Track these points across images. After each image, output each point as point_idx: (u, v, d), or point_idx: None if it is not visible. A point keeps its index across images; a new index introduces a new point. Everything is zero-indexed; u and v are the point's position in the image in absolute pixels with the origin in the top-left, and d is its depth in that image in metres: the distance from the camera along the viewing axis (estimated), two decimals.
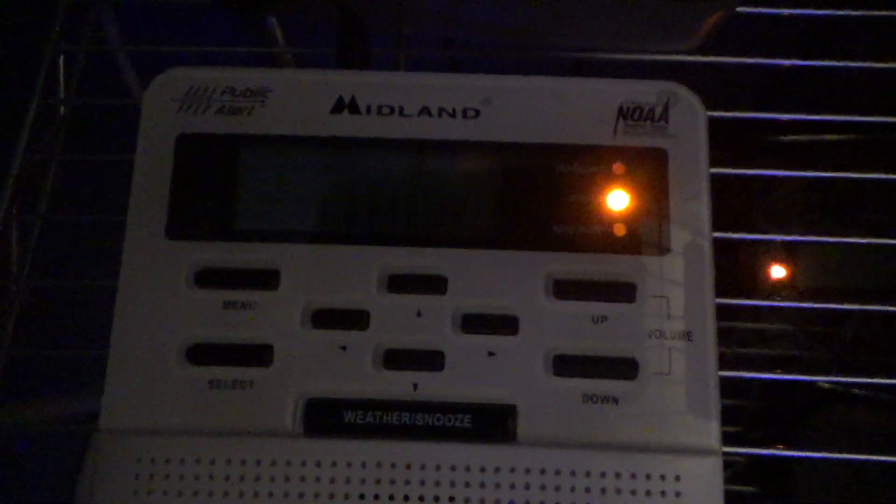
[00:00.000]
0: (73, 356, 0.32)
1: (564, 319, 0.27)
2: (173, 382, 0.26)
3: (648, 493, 0.25)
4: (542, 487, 0.25)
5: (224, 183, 0.28)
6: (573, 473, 0.25)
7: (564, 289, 0.27)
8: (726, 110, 0.33)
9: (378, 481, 0.25)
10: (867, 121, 0.35)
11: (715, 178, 0.30)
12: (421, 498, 0.25)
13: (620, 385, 0.26)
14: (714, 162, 0.30)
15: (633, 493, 0.25)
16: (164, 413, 0.26)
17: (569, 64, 0.40)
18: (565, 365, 0.26)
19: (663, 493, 0.25)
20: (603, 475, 0.25)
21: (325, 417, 0.26)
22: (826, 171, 0.34)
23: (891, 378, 0.33)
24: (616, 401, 0.26)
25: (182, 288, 0.27)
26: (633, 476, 0.25)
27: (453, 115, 0.29)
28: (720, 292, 0.30)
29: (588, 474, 0.25)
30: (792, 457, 0.42)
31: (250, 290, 0.27)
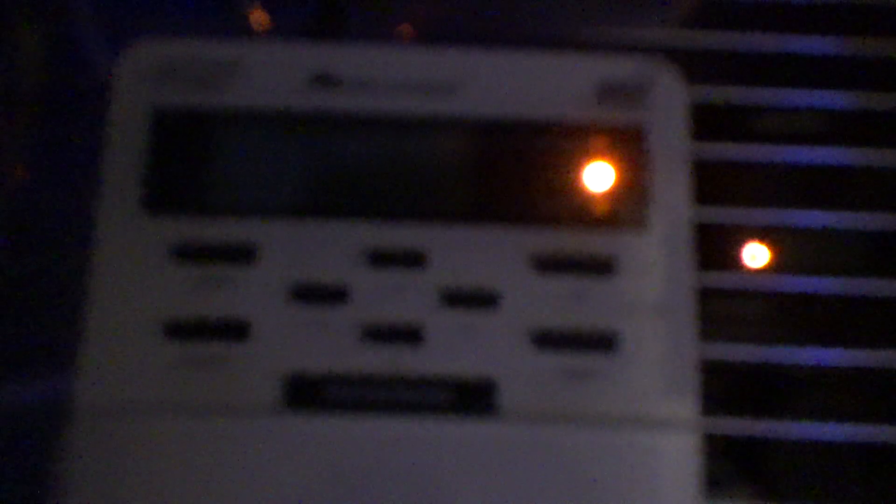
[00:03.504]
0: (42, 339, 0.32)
1: (545, 294, 0.27)
2: (151, 359, 0.26)
3: (627, 466, 0.25)
4: (521, 461, 0.25)
5: (201, 157, 0.27)
6: (551, 448, 0.26)
7: (545, 263, 0.27)
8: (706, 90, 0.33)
9: (360, 456, 0.25)
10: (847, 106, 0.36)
11: (693, 161, 0.30)
12: (400, 472, 0.25)
13: (600, 359, 0.26)
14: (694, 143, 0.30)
15: (611, 466, 0.25)
16: (141, 390, 0.26)
17: (546, 40, 0.39)
18: (546, 339, 0.26)
19: (641, 466, 0.26)
20: (580, 450, 0.26)
21: (307, 393, 0.26)
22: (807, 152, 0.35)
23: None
24: (596, 375, 0.26)
25: (159, 263, 0.26)
26: (611, 450, 0.26)
27: (433, 88, 0.28)
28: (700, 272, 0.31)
29: (566, 449, 0.26)
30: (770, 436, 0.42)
31: (228, 266, 0.26)
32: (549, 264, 0.27)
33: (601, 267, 0.27)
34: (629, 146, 0.28)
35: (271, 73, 0.28)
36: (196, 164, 0.27)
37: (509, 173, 0.28)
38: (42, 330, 0.31)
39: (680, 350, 0.27)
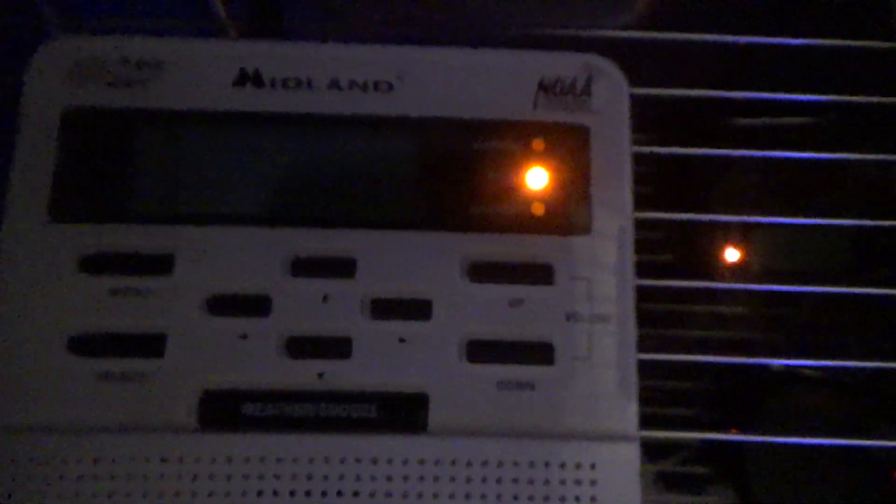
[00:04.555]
0: None
1: (480, 303, 0.26)
2: (59, 376, 0.24)
3: (563, 481, 0.24)
4: (452, 479, 0.24)
5: (113, 161, 0.26)
6: (485, 463, 0.24)
7: (480, 271, 0.26)
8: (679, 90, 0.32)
9: (278, 477, 0.24)
10: (820, 100, 0.35)
11: (670, 162, 0.29)
12: (324, 493, 0.24)
13: (537, 370, 0.25)
14: (669, 144, 0.29)
15: (547, 482, 0.24)
16: (49, 409, 0.24)
17: (498, 38, 0.38)
18: (480, 350, 0.25)
19: (578, 482, 0.24)
20: (516, 464, 0.24)
21: (221, 410, 0.24)
22: (778, 149, 0.34)
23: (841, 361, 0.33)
24: (532, 387, 0.25)
25: (66, 274, 0.25)
26: (547, 464, 0.24)
27: (365, 88, 0.27)
28: (677, 275, 0.29)
29: (500, 464, 0.24)
30: (741, 441, 0.41)
31: (141, 276, 0.25)
32: (484, 272, 0.26)
33: (539, 274, 0.26)
34: (571, 146, 0.27)
35: (194, 72, 0.27)
36: (108, 168, 0.26)
37: (445, 176, 0.26)
38: None
39: (620, 358, 0.25)
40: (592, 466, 0.24)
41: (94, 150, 0.26)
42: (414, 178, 0.26)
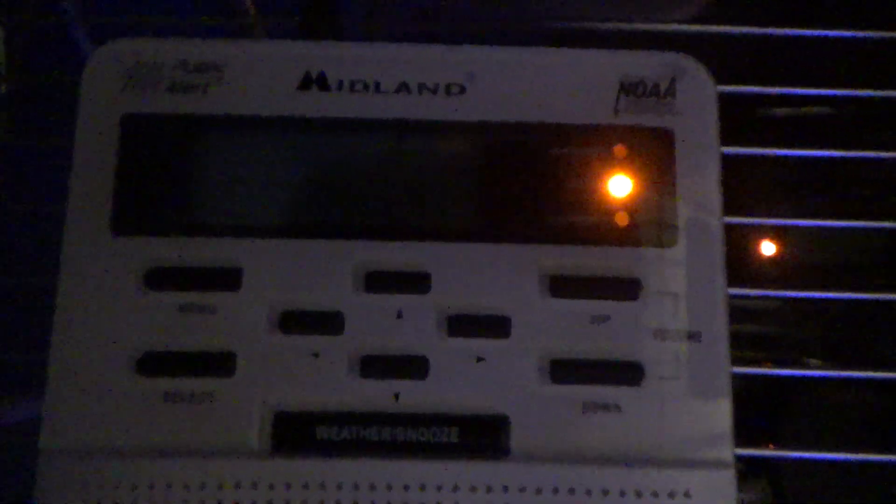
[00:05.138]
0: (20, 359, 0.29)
1: (561, 320, 0.24)
2: (124, 396, 0.23)
3: None
4: None
5: (177, 170, 0.25)
6: (572, 491, 0.23)
7: (560, 286, 0.24)
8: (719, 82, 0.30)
9: None
10: (861, 95, 0.33)
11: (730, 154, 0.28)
12: None
13: (623, 391, 0.24)
14: None
15: None
16: (113, 431, 0.23)
17: (557, 35, 0.37)
18: (562, 370, 0.24)
19: None
20: (605, 493, 0.23)
21: (295, 433, 0.23)
22: (817, 144, 0.32)
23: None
24: (619, 409, 0.24)
25: (131, 290, 0.24)
26: (639, 493, 0.23)
27: (435, 91, 0.26)
28: None
29: (589, 492, 0.23)
30: (775, 426, 0.40)
31: (209, 292, 0.24)
32: (566, 286, 0.24)
33: (624, 288, 0.24)
34: (655, 152, 0.25)
35: (256, 75, 0.25)
36: (170, 177, 0.25)
37: (522, 184, 0.25)
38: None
39: (712, 380, 0.24)
40: (687, 495, 0.23)
41: (155, 158, 0.25)
42: (489, 186, 0.25)
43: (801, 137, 0.32)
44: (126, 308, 0.23)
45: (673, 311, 0.24)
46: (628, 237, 0.25)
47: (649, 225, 0.25)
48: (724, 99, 0.31)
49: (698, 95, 0.26)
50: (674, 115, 0.26)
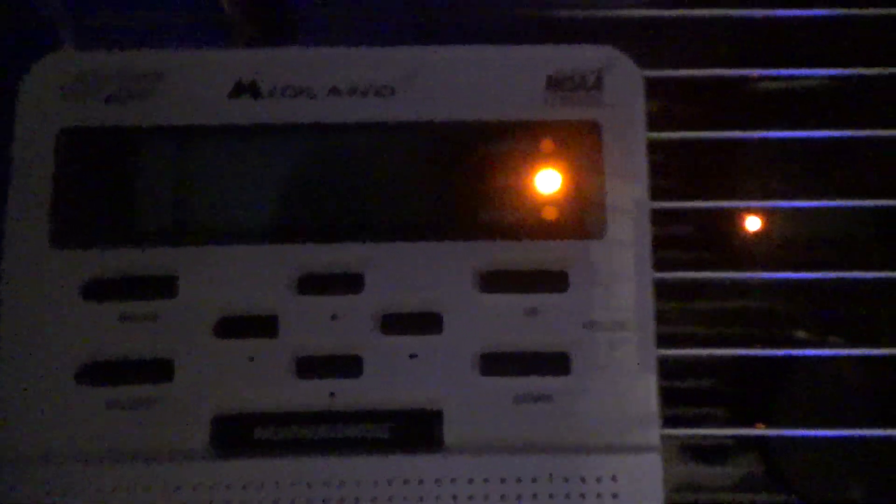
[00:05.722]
0: None
1: (492, 314, 0.25)
2: (68, 405, 0.24)
3: (583, 495, 0.24)
4: (471, 497, 0.24)
5: (113, 182, 0.25)
6: (503, 480, 0.24)
7: (491, 281, 0.25)
8: (699, 64, 0.30)
9: (294, 502, 0.23)
10: (844, 73, 0.33)
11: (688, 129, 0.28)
12: None
13: (554, 381, 0.24)
14: (689, 116, 0.28)
15: (568, 496, 0.24)
16: (59, 438, 0.24)
17: (505, 23, 0.37)
18: (494, 363, 0.24)
19: (599, 495, 0.24)
20: (535, 480, 0.24)
21: (234, 435, 0.24)
22: (806, 120, 0.32)
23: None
24: (550, 398, 0.24)
25: (71, 301, 0.24)
26: (567, 479, 0.24)
27: (365, 94, 0.26)
28: (697, 246, 0.28)
29: (519, 480, 0.24)
30: (768, 401, 0.40)
31: (147, 300, 0.24)
32: (496, 281, 0.25)
33: (554, 281, 0.25)
34: (583, 145, 0.26)
35: (191, 84, 0.26)
36: (107, 189, 0.25)
37: (452, 182, 0.26)
38: None
39: (639, 367, 0.25)
40: (614, 479, 0.24)
41: (91, 171, 0.25)
42: (420, 186, 0.25)
43: (788, 112, 0.32)
44: (67, 319, 0.24)
45: (601, 301, 0.25)
46: (557, 231, 0.25)
47: (577, 218, 0.25)
48: (708, 80, 0.31)
49: (625, 86, 0.26)
50: (601, 108, 0.26)
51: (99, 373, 0.24)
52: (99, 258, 0.25)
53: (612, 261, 0.25)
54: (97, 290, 0.24)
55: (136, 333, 0.24)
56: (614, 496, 0.24)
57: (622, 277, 0.25)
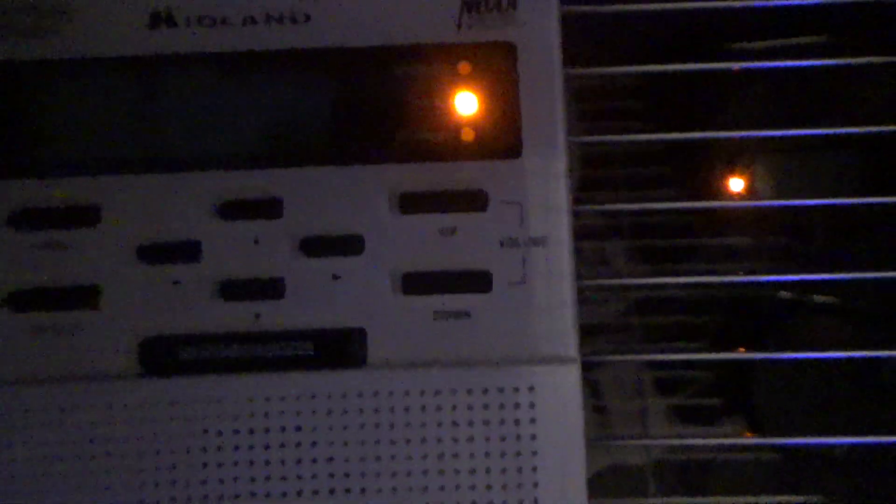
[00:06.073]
0: None
1: (411, 235, 0.25)
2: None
3: (502, 405, 0.24)
4: (392, 410, 0.24)
5: (32, 115, 0.25)
6: (423, 393, 0.24)
7: (410, 202, 0.25)
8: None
9: (221, 417, 0.24)
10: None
11: (672, 90, 0.28)
12: (266, 430, 0.24)
13: (473, 299, 0.25)
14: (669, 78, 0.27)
15: (486, 407, 0.24)
16: None
17: None
18: (414, 282, 0.25)
19: (517, 405, 0.24)
20: (454, 392, 0.24)
21: (161, 356, 0.25)
22: (790, 77, 0.32)
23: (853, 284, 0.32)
24: (468, 315, 0.25)
25: None
26: (485, 391, 0.24)
27: (281, 20, 0.26)
28: (680, 210, 0.28)
29: (438, 392, 0.24)
30: (751, 364, 0.41)
31: (69, 229, 0.25)
32: (414, 202, 0.25)
33: (471, 201, 0.25)
34: (498, 66, 0.26)
35: (105, 16, 0.26)
36: (26, 123, 0.25)
37: (368, 106, 0.26)
38: None
39: (557, 282, 0.25)
40: (531, 389, 0.25)
41: (9, 104, 0.25)
42: (337, 111, 0.26)
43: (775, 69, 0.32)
44: None
45: (518, 219, 0.25)
46: (474, 151, 0.26)
47: (493, 139, 0.26)
48: (687, 33, 0.30)
49: (540, 9, 0.26)
50: (516, 28, 0.26)
51: (26, 300, 0.25)
52: (21, 189, 0.25)
53: (527, 181, 0.26)
54: (20, 220, 0.25)
55: (61, 261, 0.25)
56: (531, 405, 0.24)
57: (538, 197, 0.25)
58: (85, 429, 0.24)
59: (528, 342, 0.25)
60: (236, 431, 0.24)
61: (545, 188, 0.26)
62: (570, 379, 0.25)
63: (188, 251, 0.25)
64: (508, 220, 0.25)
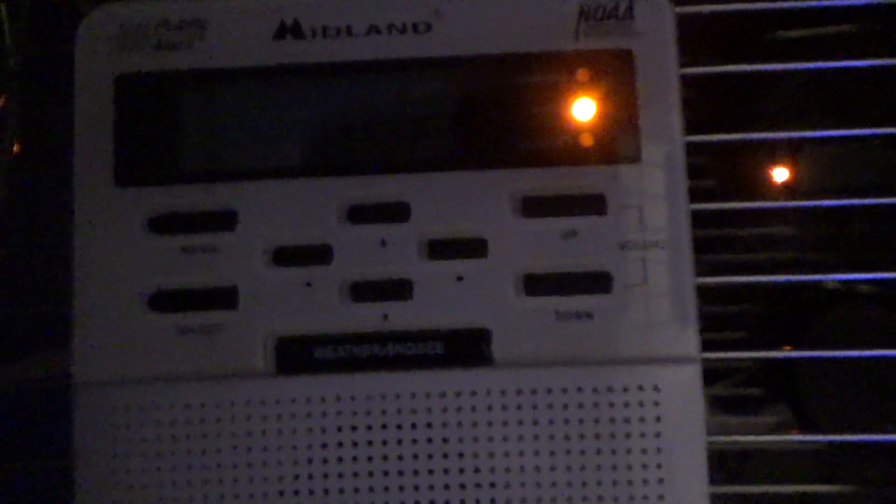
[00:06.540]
0: (51, 314, 0.32)
1: (533, 237, 0.26)
2: (140, 331, 0.26)
3: (627, 404, 0.25)
4: (519, 407, 0.25)
5: (170, 123, 0.27)
6: (550, 391, 0.25)
7: (532, 206, 0.26)
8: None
9: (354, 414, 0.25)
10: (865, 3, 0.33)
11: (712, 81, 0.28)
12: (399, 426, 0.25)
13: (594, 299, 0.26)
14: (709, 62, 0.28)
15: (611, 405, 0.25)
16: (134, 362, 0.26)
17: None
18: (536, 284, 0.26)
19: (641, 404, 0.25)
20: (579, 390, 0.25)
21: (296, 355, 0.25)
22: (826, 68, 0.32)
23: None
24: (591, 315, 0.26)
25: (138, 236, 0.26)
26: (611, 389, 0.25)
27: (403, 30, 0.27)
28: (722, 198, 0.29)
29: (565, 391, 0.25)
30: (796, 357, 0.41)
31: (208, 233, 0.26)
32: (537, 206, 0.26)
33: (591, 205, 0.26)
34: (616, 73, 0.27)
35: (236, 28, 0.27)
36: (165, 131, 0.27)
37: (491, 113, 0.27)
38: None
39: (677, 282, 0.26)
40: (655, 388, 0.25)
41: (149, 114, 0.27)
42: (460, 117, 0.27)
43: (809, 60, 0.32)
44: (135, 252, 0.26)
45: (637, 222, 0.26)
46: (594, 156, 0.26)
47: (612, 144, 0.26)
48: (728, 23, 0.31)
49: (656, 16, 0.27)
50: (633, 37, 0.27)
51: (168, 301, 0.26)
52: (162, 195, 0.26)
53: (646, 184, 0.26)
54: (162, 225, 0.26)
55: (200, 264, 0.26)
56: (656, 404, 0.25)
57: (657, 200, 0.26)
58: (225, 424, 0.25)
59: (650, 342, 0.25)
60: (369, 427, 0.25)
61: (664, 191, 0.26)
62: (692, 378, 0.25)
63: (320, 254, 0.26)
64: (628, 222, 0.26)
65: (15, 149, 0.37)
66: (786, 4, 0.32)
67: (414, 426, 0.25)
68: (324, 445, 0.25)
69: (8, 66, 0.36)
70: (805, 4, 0.33)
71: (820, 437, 0.32)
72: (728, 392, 0.43)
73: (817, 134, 0.38)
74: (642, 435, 0.25)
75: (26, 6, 0.37)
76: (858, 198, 0.32)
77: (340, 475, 0.25)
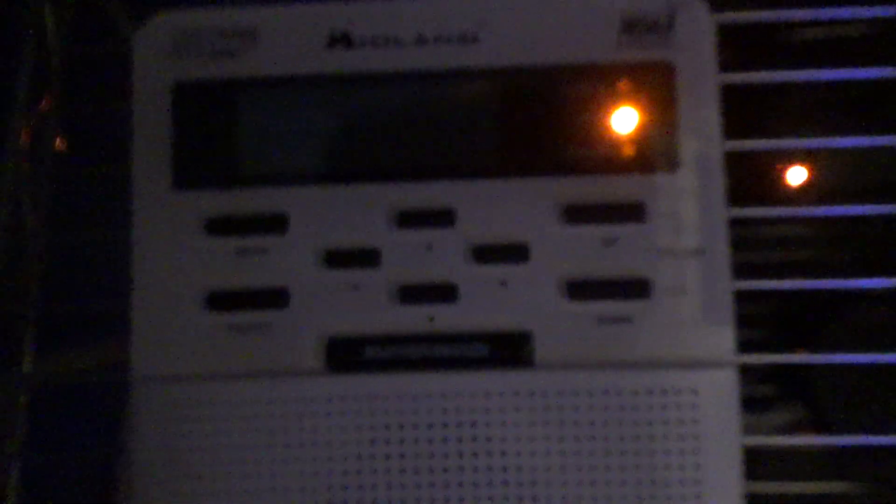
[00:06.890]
0: (101, 308, 0.33)
1: (575, 244, 0.27)
2: (196, 329, 0.27)
3: (665, 407, 0.26)
4: (560, 408, 0.26)
5: (225, 129, 0.28)
6: (590, 393, 0.26)
7: (574, 213, 0.27)
8: (735, 9, 0.31)
9: (402, 412, 0.26)
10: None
11: (728, 83, 0.29)
12: (444, 425, 0.26)
13: (634, 305, 0.27)
14: (725, 65, 0.29)
15: (651, 408, 0.26)
16: (190, 359, 0.27)
17: None
18: (578, 289, 0.27)
19: (679, 407, 0.26)
20: (619, 393, 0.26)
21: (346, 354, 0.26)
22: (843, 68, 0.33)
23: None
24: (630, 320, 0.26)
25: (194, 237, 0.27)
26: (650, 392, 0.26)
27: (450, 41, 0.28)
28: (737, 200, 0.30)
29: (606, 393, 0.26)
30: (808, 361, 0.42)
31: (261, 236, 0.27)
32: (579, 213, 0.27)
33: (631, 212, 0.27)
34: (657, 84, 0.27)
35: (288, 37, 0.28)
36: (221, 136, 0.28)
37: (534, 122, 0.27)
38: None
39: (714, 290, 0.27)
40: (693, 391, 0.26)
41: (206, 120, 0.28)
42: (505, 126, 0.27)
43: (829, 60, 0.33)
44: (191, 253, 0.27)
45: (676, 230, 0.27)
46: (634, 165, 0.27)
47: (653, 153, 0.27)
48: (747, 27, 0.31)
49: (696, 28, 0.28)
50: (673, 49, 0.27)
51: (222, 300, 0.27)
52: (217, 198, 0.27)
53: (685, 193, 0.27)
54: (217, 227, 0.27)
55: (254, 265, 0.27)
56: (694, 407, 0.26)
57: (695, 208, 0.27)
58: (277, 421, 0.26)
59: (689, 346, 0.26)
60: (415, 426, 0.26)
61: (702, 199, 0.27)
62: (729, 382, 0.26)
63: (368, 257, 0.27)
64: (667, 230, 0.27)
65: (59, 146, 0.38)
66: (822, 14, 0.33)
67: (458, 425, 0.26)
68: (372, 441, 0.26)
69: (52, 65, 0.37)
70: (839, 15, 0.34)
71: (861, 440, 0.33)
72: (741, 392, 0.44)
73: (850, 141, 0.38)
74: (680, 437, 0.26)
75: (70, 5, 0.37)
76: (878, 197, 0.33)
77: (387, 470, 0.26)
